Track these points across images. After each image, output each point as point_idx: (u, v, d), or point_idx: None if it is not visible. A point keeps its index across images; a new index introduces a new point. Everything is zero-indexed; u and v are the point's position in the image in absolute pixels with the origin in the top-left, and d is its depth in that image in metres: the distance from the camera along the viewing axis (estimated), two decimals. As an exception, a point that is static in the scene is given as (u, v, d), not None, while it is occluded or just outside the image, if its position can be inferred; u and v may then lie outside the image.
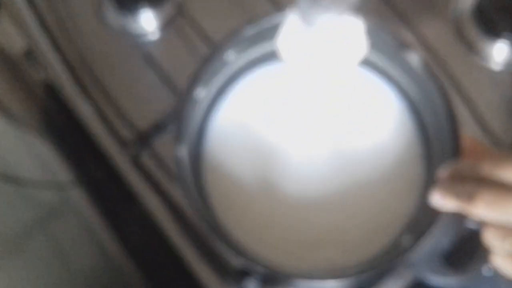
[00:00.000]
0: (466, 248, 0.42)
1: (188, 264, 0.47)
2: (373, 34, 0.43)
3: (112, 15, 0.54)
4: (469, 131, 0.48)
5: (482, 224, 0.31)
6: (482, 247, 0.40)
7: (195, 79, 0.42)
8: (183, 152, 0.41)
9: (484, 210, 0.29)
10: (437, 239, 0.40)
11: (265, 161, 0.43)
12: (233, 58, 0.45)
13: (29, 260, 0.43)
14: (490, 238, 0.31)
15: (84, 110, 0.51)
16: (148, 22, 0.54)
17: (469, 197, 0.30)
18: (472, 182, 0.30)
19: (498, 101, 0.51)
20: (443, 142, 0.42)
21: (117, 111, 0.50)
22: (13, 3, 0.56)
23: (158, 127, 0.50)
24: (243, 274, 0.42)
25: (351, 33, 0.39)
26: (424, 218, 0.41)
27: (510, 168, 0.29)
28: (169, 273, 0.53)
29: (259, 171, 0.44)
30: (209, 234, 0.39)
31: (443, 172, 0.34)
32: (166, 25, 0.55)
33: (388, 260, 0.39)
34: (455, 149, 0.40)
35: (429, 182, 0.44)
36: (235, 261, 0.43)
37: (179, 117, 0.42)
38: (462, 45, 0.53)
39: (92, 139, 0.51)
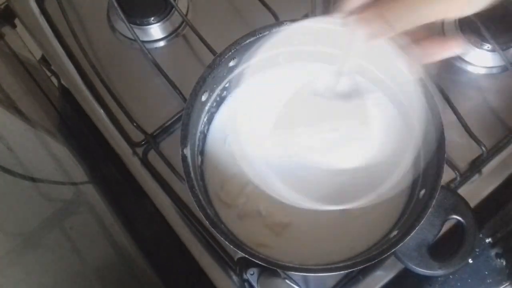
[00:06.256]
0: (450, 243, 0.44)
1: (193, 256, 0.48)
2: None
3: (122, 26, 0.56)
4: (451, 132, 0.48)
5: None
6: (466, 242, 0.42)
7: (198, 85, 0.44)
8: (188, 151, 0.42)
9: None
10: (422, 235, 0.42)
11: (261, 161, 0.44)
12: (233, 65, 0.47)
13: (45, 253, 0.43)
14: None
15: (96, 113, 0.54)
16: (155, 32, 0.56)
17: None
18: None
19: (480, 103, 0.52)
20: (429, 144, 0.43)
21: (127, 114, 0.52)
22: (28, 13, 0.58)
23: (164, 129, 0.52)
24: (244, 265, 0.42)
25: None
26: (410, 216, 0.43)
27: None
28: (175, 263, 0.54)
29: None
30: (213, 229, 0.40)
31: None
32: (172, 35, 0.57)
33: (377, 253, 0.40)
34: (440, 150, 0.41)
35: (416, 181, 0.46)
36: (237, 254, 0.44)
37: (184, 120, 0.43)
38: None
39: (104, 140, 0.53)
